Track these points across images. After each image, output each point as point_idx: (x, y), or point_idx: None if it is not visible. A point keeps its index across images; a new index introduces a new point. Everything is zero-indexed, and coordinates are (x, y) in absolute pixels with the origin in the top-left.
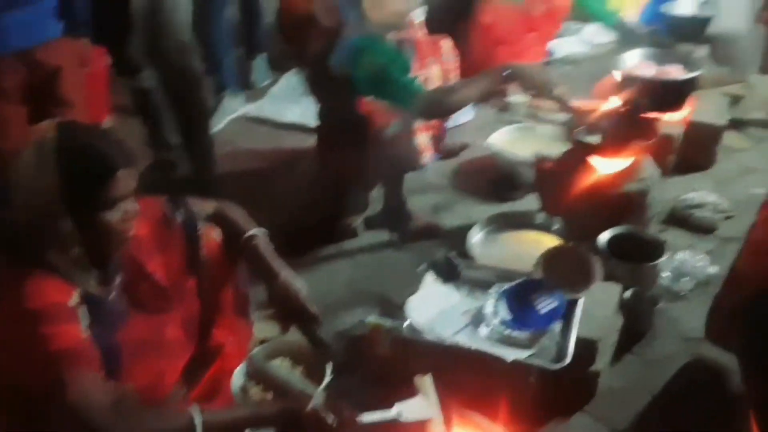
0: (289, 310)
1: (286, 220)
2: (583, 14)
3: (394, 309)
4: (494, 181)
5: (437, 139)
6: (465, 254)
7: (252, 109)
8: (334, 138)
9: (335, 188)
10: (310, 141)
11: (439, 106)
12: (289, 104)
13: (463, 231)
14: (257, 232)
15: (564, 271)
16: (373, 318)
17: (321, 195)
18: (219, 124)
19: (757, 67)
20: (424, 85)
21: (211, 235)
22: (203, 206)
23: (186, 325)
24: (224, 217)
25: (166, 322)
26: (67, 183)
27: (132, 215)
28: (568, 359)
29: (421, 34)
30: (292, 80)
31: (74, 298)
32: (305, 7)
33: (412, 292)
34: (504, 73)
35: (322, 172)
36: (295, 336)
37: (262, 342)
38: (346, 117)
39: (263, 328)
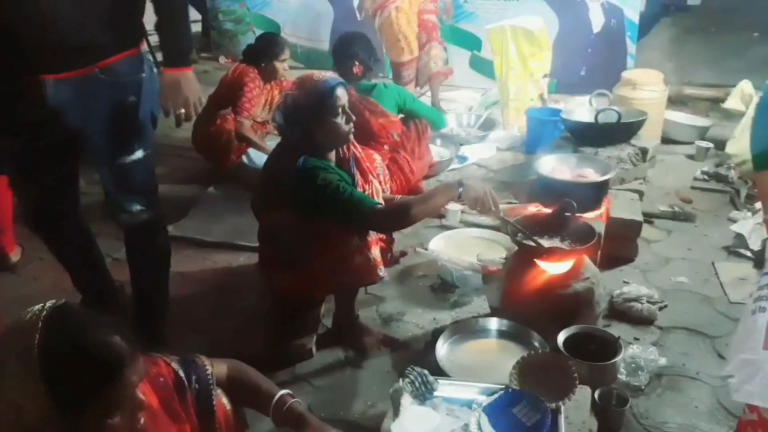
0: None
1: (232, 346)
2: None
3: None
4: (437, 286)
5: (386, 252)
6: (431, 368)
7: (171, 228)
8: (281, 258)
9: (283, 308)
10: (240, 259)
11: (399, 220)
12: (212, 223)
13: (417, 341)
14: (285, 392)
15: (542, 379)
16: None
17: (267, 316)
18: None
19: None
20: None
21: (222, 403)
22: (217, 368)
23: None
24: (243, 381)
25: None
26: (60, 395)
27: (139, 408)
28: None
29: (359, 151)
30: (212, 197)
31: None
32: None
33: (379, 414)
34: (458, 190)
35: (266, 292)
36: None
37: None
38: (293, 237)
39: None
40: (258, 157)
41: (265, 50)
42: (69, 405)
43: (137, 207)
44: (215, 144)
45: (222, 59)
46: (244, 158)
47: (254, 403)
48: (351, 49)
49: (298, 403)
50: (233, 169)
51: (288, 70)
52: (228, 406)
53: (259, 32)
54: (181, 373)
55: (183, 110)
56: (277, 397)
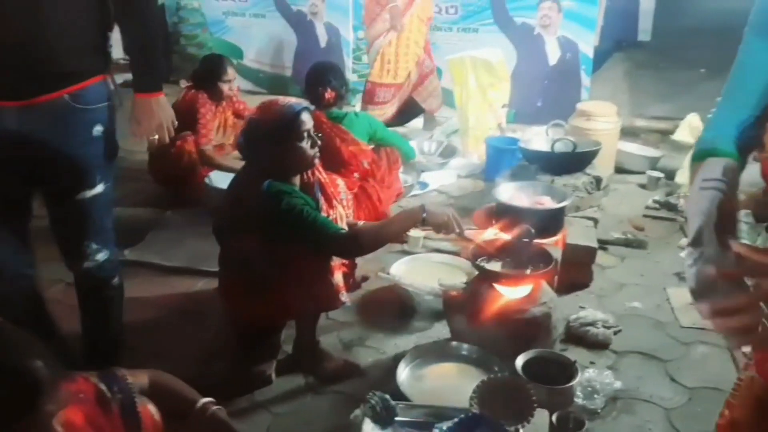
0: None
1: (189, 373)
2: None
3: None
4: (399, 311)
5: (348, 277)
6: (392, 392)
7: (128, 253)
8: (242, 282)
9: (242, 334)
10: (199, 284)
11: (363, 245)
12: (170, 248)
13: (378, 366)
14: (208, 400)
15: (502, 403)
16: None
17: (226, 342)
18: None
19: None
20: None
21: (149, 412)
22: (137, 378)
23: None
24: (164, 389)
25: None
26: None
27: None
28: None
29: (323, 176)
30: (170, 221)
31: None
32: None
33: None
34: (422, 215)
35: (226, 317)
36: None
37: None
38: (255, 261)
39: None
40: (220, 179)
41: (208, 72)
42: None
43: (95, 247)
44: (176, 167)
45: (183, 83)
46: (207, 180)
47: (176, 409)
48: (324, 76)
49: (221, 410)
50: (194, 191)
51: (234, 92)
52: (156, 414)
53: None
54: (102, 386)
55: (156, 135)
56: (200, 403)
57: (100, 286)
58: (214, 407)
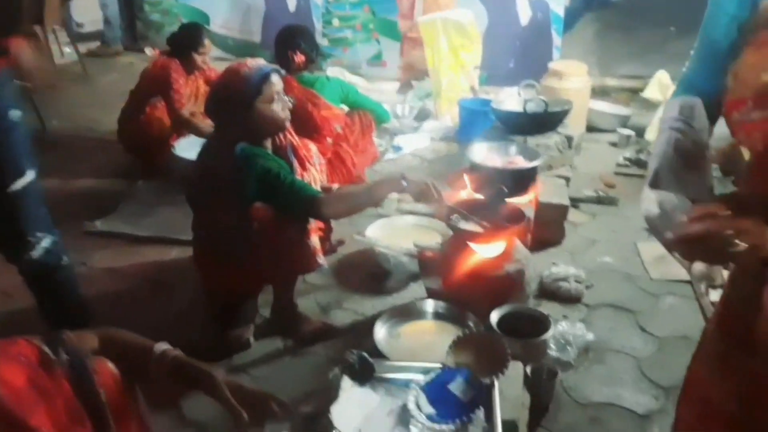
0: (245, 398)
1: (166, 341)
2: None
3: (305, 421)
4: (375, 273)
5: (324, 240)
6: (370, 351)
7: (99, 223)
8: (217, 248)
9: (218, 300)
10: (173, 253)
11: (341, 209)
12: (142, 217)
13: (356, 327)
14: (164, 345)
15: (476, 357)
16: None
17: (202, 309)
18: None
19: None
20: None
21: (106, 369)
22: (85, 339)
23: None
24: (116, 343)
25: None
26: None
27: None
28: None
29: (296, 139)
30: (141, 191)
31: None
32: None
33: (319, 400)
34: (403, 184)
35: (201, 284)
36: None
37: None
38: (230, 227)
39: None
40: (186, 148)
41: (184, 41)
42: None
43: (39, 235)
44: (146, 135)
45: (149, 51)
46: (172, 150)
47: (134, 362)
48: (293, 39)
49: (182, 353)
50: (165, 160)
51: (207, 64)
52: (114, 370)
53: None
54: (45, 349)
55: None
56: (158, 350)
57: (51, 271)
58: (176, 352)
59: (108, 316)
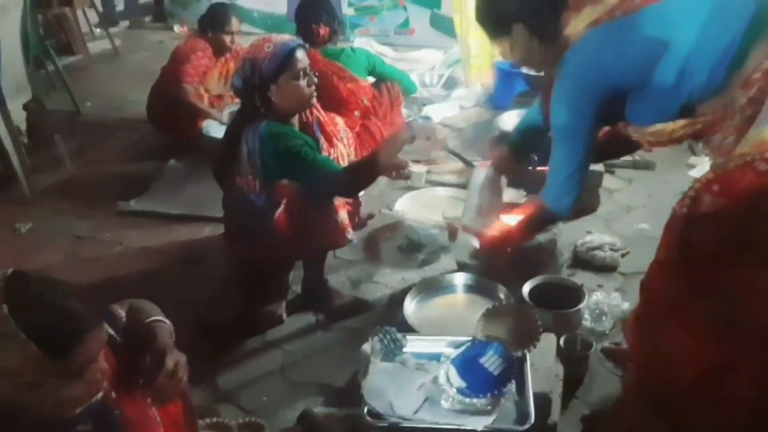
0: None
1: (201, 318)
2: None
3: (337, 395)
4: (405, 247)
5: (353, 215)
6: (400, 325)
7: (133, 203)
8: (247, 225)
9: (250, 276)
10: (206, 231)
11: (362, 180)
12: (175, 196)
13: (387, 301)
14: (162, 318)
15: (507, 330)
16: (319, 409)
17: (235, 286)
18: None
19: None
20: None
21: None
22: (118, 312)
23: None
24: (136, 312)
25: None
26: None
27: (102, 374)
28: (533, 419)
29: (322, 115)
30: (173, 170)
31: None
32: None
33: (351, 374)
34: (412, 131)
35: (233, 261)
36: None
37: None
38: (257, 204)
39: None
40: (215, 128)
41: (211, 20)
42: (54, 349)
43: None
44: (175, 114)
45: (177, 28)
46: (203, 128)
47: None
48: (314, 11)
49: (163, 327)
50: (195, 139)
51: (235, 44)
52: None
53: None
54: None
55: None
56: (151, 318)
57: None
58: (161, 323)
59: (144, 295)
